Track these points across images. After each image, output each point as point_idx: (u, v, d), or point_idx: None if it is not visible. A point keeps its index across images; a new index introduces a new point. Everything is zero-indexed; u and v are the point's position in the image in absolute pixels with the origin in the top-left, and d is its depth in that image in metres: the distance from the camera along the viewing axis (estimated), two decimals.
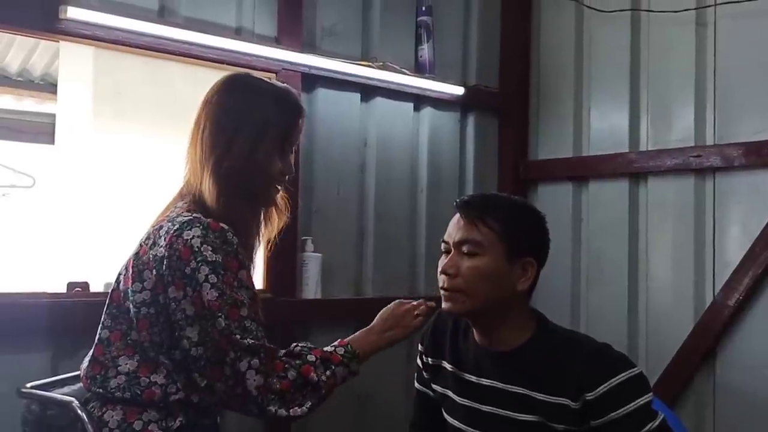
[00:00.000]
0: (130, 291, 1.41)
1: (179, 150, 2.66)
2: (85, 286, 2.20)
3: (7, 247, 4.02)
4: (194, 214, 1.41)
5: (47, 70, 4.03)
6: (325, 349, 1.47)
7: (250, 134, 1.47)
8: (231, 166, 1.45)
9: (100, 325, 1.47)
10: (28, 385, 1.57)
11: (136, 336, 1.41)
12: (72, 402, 1.44)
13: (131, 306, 1.40)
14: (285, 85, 1.64)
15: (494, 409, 1.48)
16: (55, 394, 1.52)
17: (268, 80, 1.63)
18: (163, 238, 1.39)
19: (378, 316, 1.60)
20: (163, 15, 2.35)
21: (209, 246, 1.35)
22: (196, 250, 1.34)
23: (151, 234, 1.44)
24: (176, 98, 2.54)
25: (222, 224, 1.39)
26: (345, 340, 1.52)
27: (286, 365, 1.39)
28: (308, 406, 1.40)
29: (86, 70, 2.44)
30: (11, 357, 1.98)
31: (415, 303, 1.61)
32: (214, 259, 1.35)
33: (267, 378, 1.35)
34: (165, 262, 1.36)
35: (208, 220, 1.39)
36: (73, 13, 2.08)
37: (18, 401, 1.56)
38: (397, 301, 1.63)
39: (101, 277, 2.35)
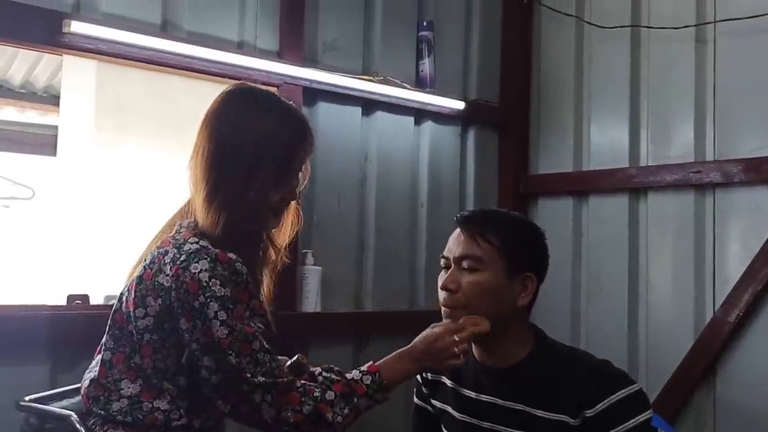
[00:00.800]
0: (132, 315, 1.37)
1: (180, 163, 2.67)
2: (84, 298, 2.20)
3: (7, 259, 4.02)
4: (201, 242, 1.36)
5: (50, 83, 4.04)
6: (352, 377, 1.39)
7: (247, 165, 1.39)
8: (225, 199, 1.38)
9: (103, 346, 1.43)
10: (27, 398, 1.56)
11: (139, 361, 1.38)
12: (71, 416, 1.43)
13: (134, 331, 1.37)
14: (291, 104, 1.52)
15: (493, 425, 1.47)
16: (54, 408, 1.51)
17: (272, 94, 1.53)
18: (168, 266, 1.34)
19: (419, 339, 1.48)
20: (165, 29, 2.36)
21: (218, 280, 1.31)
22: (204, 285, 1.30)
23: (156, 258, 1.37)
24: (178, 111, 2.56)
25: (230, 255, 1.34)
26: (377, 364, 1.43)
27: (303, 398, 1.33)
28: None
29: (89, 83, 2.46)
30: (10, 369, 1.98)
31: (458, 338, 1.43)
32: (222, 293, 1.31)
33: (280, 412, 1.32)
34: (173, 294, 1.32)
35: (216, 251, 1.34)
36: (76, 27, 2.10)
37: (17, 413, 1.55)
38: (445, 326, 1.46)
39: (101, 290, 2.35)
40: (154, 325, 1.35)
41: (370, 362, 1.44)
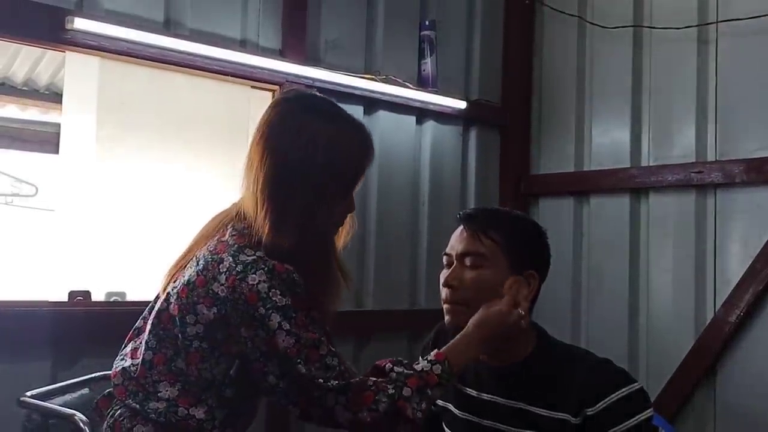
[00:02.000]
0: (178, 320, 1.34)
1: (183, 160, 2.67)
2: (86, 295, 2.20)
3: (9, 255, 4.03)
4: (258, 253, 1.32)
5: (53, 80, 4.04)
6: (422, 368, 1.35)
7: (315, 183, 1.34)
8: (294, 218, 1.33)
9: (144, 345, 1.39)
10: (28, 393, 1.57)
11: (183, 366, 1.35)
12: (74, 415, 1.43)
13: (180, 335, 1.34)
14: (352, 115, 1.46)
15: (494, 423, 1.47)
16: (58, 407, 1.51)
17: (333, 103, 1.46)
18: (224, 275, 1.30)
19: (478, 322, 1.41)
20: (168, 27, 2.36)
21: (277, 290, 1.29)
22: (264, 296, 1.28)
23: (210, 265, 1.33)
24: (181, 109, 2.56)
25: (287, 266, 1.31)
26: (443, 350, 1.39)
27: (377, 396, 1.30)
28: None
29: (91, 81, 2.46)
30: (12, 365, 1.98)
31: (520, 312, 1.41)
32: (284, 303, 1.28)
33: (356, 413, 1.30)
34: (229, 305, 1.30)
35: (273, 262, 1.30)
36: (79, 24, 2.10)
37: (18, 409, 1.56)
38: (502, 307, 1.40)
39: (102, 287, 2.35)
40: (205, 332, 1.32)
41: (435, 350, 1.40)
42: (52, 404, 1.53)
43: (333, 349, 1.33)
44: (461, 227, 1.50)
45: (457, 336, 1.42)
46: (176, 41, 2.31)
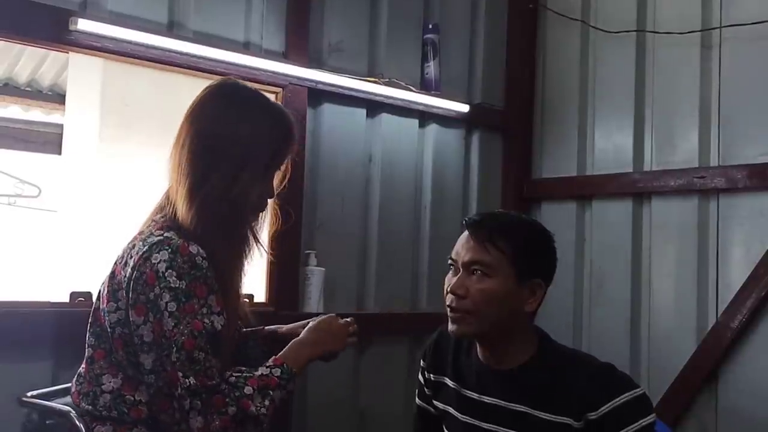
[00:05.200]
0: (105, 311, 1.39)
1: None
2: (88, 296, 2.19)
3: (12, 255, 4.03)
4: (165, 234, 1.37)
5: (56, 81, 4.05)
6: (261, 372, 1.40)
7: (232, 162, 1.40)
8: (208, 194, 1.39)
9: (86, 343, 1.45)
10: (29, 394, 1.57)
11: (117, 355, 1.39)
12: (69, 412, 1.44)
13: (107, 326, 1.39)
14: (276, 102, 1.55)
15: (495, 427, 1.47)
16: (53, 404, 1.52)
17: (258, 92, 1.53)
18: (133, 258, 1.36)
19: (309, 328, 1.55)
20: (172, 29, 2.37)
21: (174, 272, 1.31)
22: (161, 276, 1.31)
23: (124, 253, 1.41)
24: (183, 110, 2.55)
25: (192, 248, 1.34)
26: (279, 356, 1.45)
27: (227, 399, 1.32)
28: None
29: (94, 82, 2.46)
30: (13, 366, 1.98)
31: (348, 320, 1.59)
32: (177, 285, 1.31)
33: (207, 416, 1.30)
34: (131, 284, 1.33)
35: (179, 242, 1.34)
36: (83, 25, 2.11)
37: (19, 410, 1.56)
38: (331, 314, 1.60)
39: None
40: (125, 318, 1.36)
41: (273, 356, 1.45)
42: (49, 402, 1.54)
43: (207, 345, 1.31)
44: (467, 233, 1.49)
45: (290, 342, 1.49)
46: (180, 43, 2.31)
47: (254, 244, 1.50)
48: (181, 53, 2.32)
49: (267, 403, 1.36)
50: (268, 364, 1.42)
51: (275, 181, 1.51)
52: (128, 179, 2.49)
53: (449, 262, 1.51)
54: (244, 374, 1.38)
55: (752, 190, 2.58)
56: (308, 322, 1.62)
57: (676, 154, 2.81)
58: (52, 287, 2.51)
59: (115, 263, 1.42)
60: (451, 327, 1.47)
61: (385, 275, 2.85)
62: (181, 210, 1.39)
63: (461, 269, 1.47)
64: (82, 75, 2.55)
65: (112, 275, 1.41)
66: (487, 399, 1.49)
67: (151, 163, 2.52)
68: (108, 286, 1.41)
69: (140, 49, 2.24)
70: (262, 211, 1.51)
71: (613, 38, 2.99)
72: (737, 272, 2.60)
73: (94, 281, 2.31)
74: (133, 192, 2.49)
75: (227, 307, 1.39)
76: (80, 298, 2.17)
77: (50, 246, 3.00)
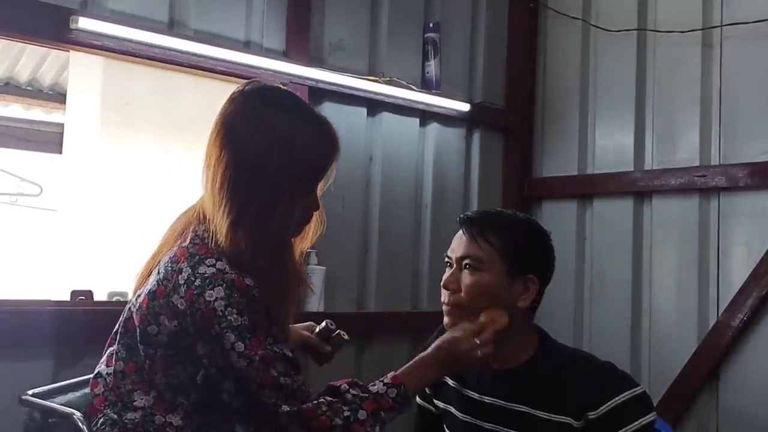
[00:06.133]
0: (140, 330, 1.31)
1: (186, 160, 2.67)
2: (88, 294, 2.20)
3: (13, 254, 4.03)
4: (218, 264, 1.27)
5: (57, 80, 4.06)
6: (377, 390, 1.33)
7: (275, 180, 1.29)
8: (253, 221, 1.28)
9: (115, 355, 1.36)
10: (30, 392, 1.56)
11: (152, 375, 1.32)
12: (73, 414, 1.42)
13: (143, 345, 1.32)
14: (319, 113, 1.41)
15: (496, 426, 1.47)
16: (57, 405, 1.50)
17: (292, 94, 1.41)
18: (183, 288, 1.26)
19: (437, 347, 1.41)
20: (173, 27, 2.37)
21: (234, 309, 1.24)
22: (220, 314, 1.23)
23: (170, 275, 1.29)
24: (184, 110, 2.56)
25: (248, 281, 1.26)
26: (399, 374, 1.37)
27: (333, 421, 1.27)
28: None
29: (95, 80, 2.46)
30: (14, 364, 1.98)
31: (479, 341, 1.40)
32: (239, 323, 1.24)
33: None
34: (188, 319, 1.26)
35: (233, 276, 1.25)
36: (84, 23, 2.10)
37: (20, 408, 1.56)
38: (462, 332, 1.41)
39: (105, 286, 2.35)
40: (169, 341, 1.29)
41: (392, 372, 1.38)
42: (53, 403, 1.53)
43: (288, 368, 1.27)
44: (461, 230, 1.50)
45: (415, 358, 1.41)
46: (180, 42, 2.31)
47: (298, 272, 1.45)
48: (181, 52, 2.32)
49: (377, 428, 1.31)
50: (386, 381, 1.36)
51: (319, 191, 1.43)
52: (129, 178, 2.49)
53: (446, 259, 1.51)
54: (361, 394, 1.33)
55: (753, 189, 2.58)
56: (311, 324, 1.58)
57: (677, 153, 2.81)
58: (53, 286, 2.51)
59: (158, 282, 1.30)
60: (445, 321, 1.48)
61: (385, 274, 2.85)
62: (224, 240, 1.28)
63: (455, 264, 1.47)
64: (83, 74, 2.55)
65: (153, 295, 1.29)
66: (487, 399, 1.49)
67: (151, 162, 2.52)
68: (147, 306, 1.30)
69: (141, 47, 2.24)
70: (306, 224, 1.43)
71: (613, 37, 2.99)
72: (738, 271, 2.60)
73: (94, 280, 2.32)
74: (134, 190, 2.50)
75: (284, 332, 1.34)
76: (81, 296, 2.17)
77: (51, 245, 3.00)
